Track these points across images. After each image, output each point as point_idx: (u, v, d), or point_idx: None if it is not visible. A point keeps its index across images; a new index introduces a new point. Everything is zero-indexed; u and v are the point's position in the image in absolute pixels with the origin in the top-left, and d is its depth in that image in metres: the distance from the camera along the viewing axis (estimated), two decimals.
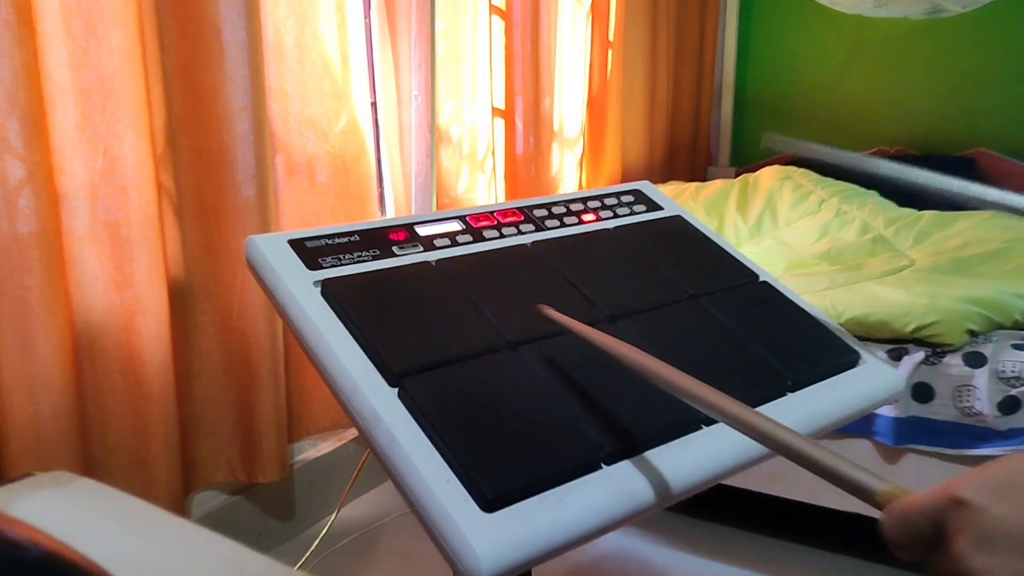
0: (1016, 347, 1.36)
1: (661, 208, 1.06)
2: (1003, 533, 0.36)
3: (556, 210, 0.98)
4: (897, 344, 1.43)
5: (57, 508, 0.53)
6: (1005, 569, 0.35)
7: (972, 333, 1.40)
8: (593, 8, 2.45)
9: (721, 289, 0.93)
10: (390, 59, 1.82)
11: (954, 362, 1.37)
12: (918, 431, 1.39)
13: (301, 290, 0.76)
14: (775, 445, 0.51)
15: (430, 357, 0.72)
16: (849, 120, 3.09)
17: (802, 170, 2.41)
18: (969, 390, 1.35)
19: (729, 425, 0.54)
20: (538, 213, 0.96)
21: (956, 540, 0.37)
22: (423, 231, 0.87)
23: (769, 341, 0.86)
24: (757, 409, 0.77)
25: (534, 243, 0.91)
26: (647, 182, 1.11)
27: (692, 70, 3.16)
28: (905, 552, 0.41)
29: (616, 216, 1.01)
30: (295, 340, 0.80)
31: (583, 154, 2.50)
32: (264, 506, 1.63)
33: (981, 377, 1.34)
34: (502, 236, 0.91)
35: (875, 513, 0.44)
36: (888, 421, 1.40)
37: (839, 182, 2.32)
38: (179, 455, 1.37)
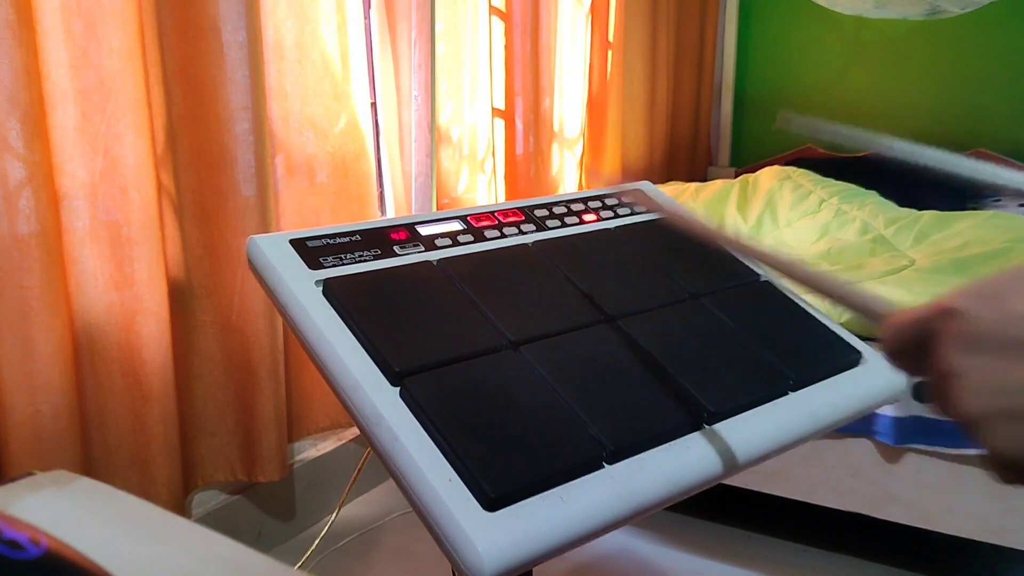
0: None
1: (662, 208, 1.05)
2: (985, 335, 0.39)
3: (557, 210, 0.98)
4: None
5: (57, 508, 0.53)
6: (984, 367, 0.38)
7: None
8: (593, 8, 2.45)
9: (723, 288, 0.93)
10: (390, 59, 1.82)
11: None
12: (919, 430, 1.39)
13: (302, 290, 0.76)
14: (796, 275, 0.58)
15: (432, 356, 0.72)
16: (849, 120, 3.09)
17: (802, 170, 2.41)
18: None
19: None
20: (539, 213, 0.96)
21: (943, 343, 0.41)
22: (424, 231, 0.87)
23: (771, 340, 0.86)
24: (758, 408, 0.78)
25: (535, 243, 0.91)
26: (647, 182, 1.11)
27: (692, 70, 3.16)
28: (900, 360, 0.46)
29: (617, 216, 1.01)
30: (295, 340, 0.80)
31: (583, 154, 2.50)
32: (264, 506, 1.63)
33: None
34: (503, 236, 0.91)
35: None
36: (889, 420, 1.40)
37: (839, 182, 2.32)
38: (179, 455, 1.37)
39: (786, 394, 0.81)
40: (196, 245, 1.41)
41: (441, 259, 0.84)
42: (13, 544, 0.39)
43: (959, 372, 0.39)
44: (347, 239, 0.83)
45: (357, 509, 1.79)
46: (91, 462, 1.26)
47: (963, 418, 0.40)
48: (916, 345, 0.44)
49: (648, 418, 0.72)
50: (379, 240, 0.84)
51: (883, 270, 1.72)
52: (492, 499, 0.60)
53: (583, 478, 0.65)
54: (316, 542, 1.54)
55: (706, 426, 0.74)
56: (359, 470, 1.42)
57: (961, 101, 2.89)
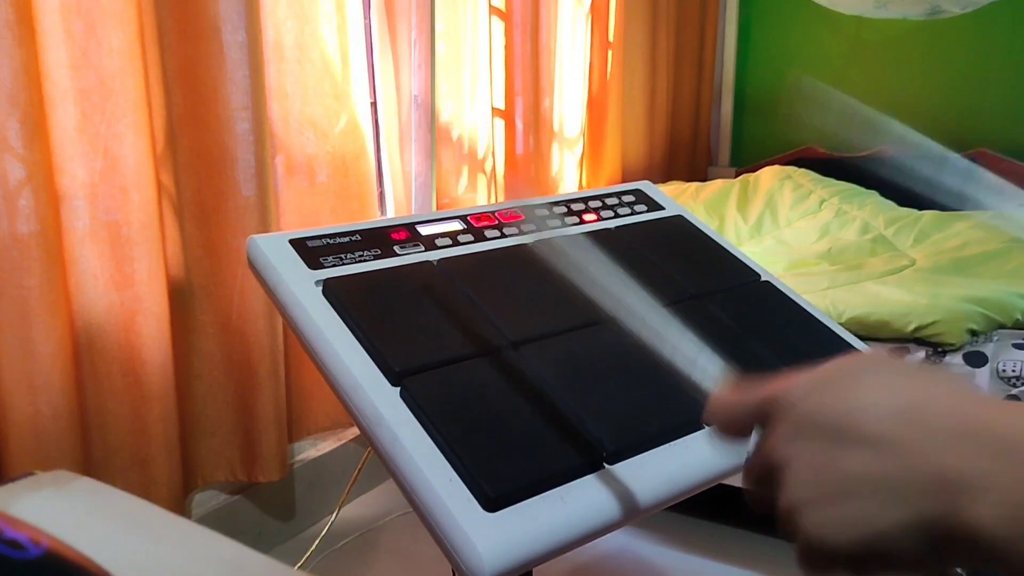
0: (1017, 347, 1.36)
1: (662, 208, 1.05)
2: (808, 425, 0.40)
3: (557, 210, 0.98)
4: (898, 344, 1.42)
5: (57, 508, 0.53)
6: (807, 456, 0.39)
7: (973, 332, 1.40)
8: (593, 8, 2.45)
9: (723, 289, 0.93)
10: (390, 59, 1.82)
11: (955, 361, 1.37)
12: None
13: (303, 290, 0.76)
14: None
15: (432, 356, 0.72)
16: (849, 121, 3.09)
17: (802, 170, 2.41)
18: None
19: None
20: (539, 213, 0.96)
21: (774, 431, 0.42)
22: (424, 231, 0.87)
23: (771, 341, 0.86)
24: None
25: (536, 243, 0.91)
26: (648, 182, 1.11)
27: (692, 70, 3.16)
28: (727, 440, 0.48)
29: (617, 216, 1.01)
30: (295, 340, 0.80)
31: (583, 154, 2.50)
32: (264, 506, 1.62)
33: (982, 376, 1.33)
34: (503, 236, 0.91)
35: None
36: None
37: (839, 182, 2.32)
38: (179, 455, 1.37)
39: None
40: (196, 245, 1.41)
41: (441, 259, 0.84)
42: (14, 544, 0.39)
43: (785, 460, 0.41)
44: (347, 239, 0.83)
45: (357, 509, 1.79)
46: (91, 462, 1.26)
47: (785, 505, 0.41)
48: (746, 428, 0.46)
49: (648, 418, 0.72)
50: (379, 240, 0.84)
51: (883, 270, 1.72)
52: (492, 499, 0.60)
53: (583, 478, 0.65)
54: (316, 542, 1.54)
55: (707, 426, 0.74)
56: (359, 470, 1.42)
57: (961, 101, 2.89)
